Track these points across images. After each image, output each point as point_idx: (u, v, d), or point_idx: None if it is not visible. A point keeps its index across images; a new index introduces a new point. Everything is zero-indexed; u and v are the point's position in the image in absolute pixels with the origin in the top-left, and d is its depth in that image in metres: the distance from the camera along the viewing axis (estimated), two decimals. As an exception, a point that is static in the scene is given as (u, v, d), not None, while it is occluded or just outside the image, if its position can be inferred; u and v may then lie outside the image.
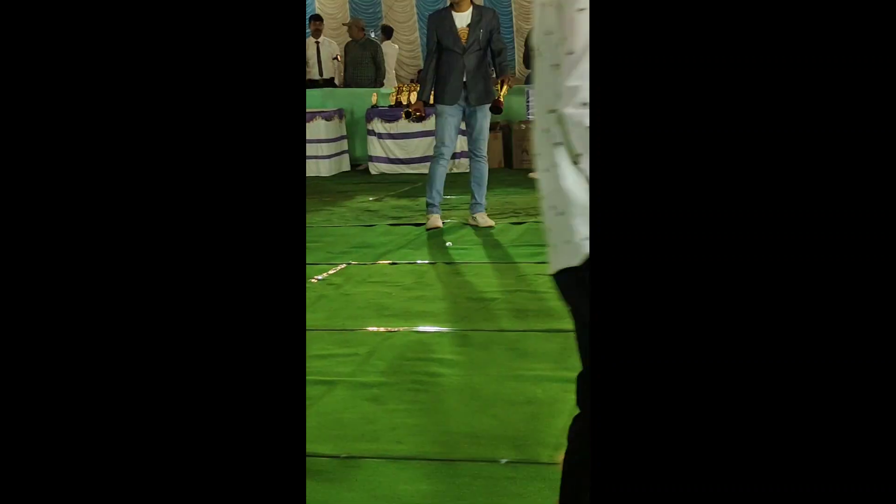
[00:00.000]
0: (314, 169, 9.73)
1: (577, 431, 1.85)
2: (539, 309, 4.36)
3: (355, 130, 10.32)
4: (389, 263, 5.59)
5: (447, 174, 6.69)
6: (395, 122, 9.65)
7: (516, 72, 13.85)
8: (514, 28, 14.36)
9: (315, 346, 3.95)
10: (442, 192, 6.63)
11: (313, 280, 5.20)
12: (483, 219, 6.59)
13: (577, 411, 1.87)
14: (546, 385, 3.26)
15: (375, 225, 6.85)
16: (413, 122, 8.26)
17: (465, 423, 3.02)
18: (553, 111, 1.67)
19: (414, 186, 8.50)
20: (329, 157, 9.86)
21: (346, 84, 11.35)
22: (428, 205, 6.62)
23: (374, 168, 9.80)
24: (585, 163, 1.62)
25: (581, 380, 1.85)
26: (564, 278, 1.80)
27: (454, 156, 8.38)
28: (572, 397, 1.92)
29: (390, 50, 12.97)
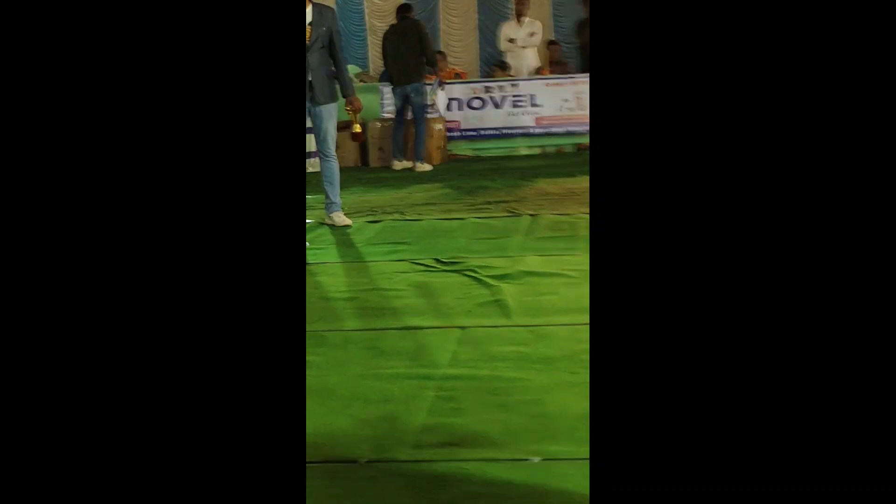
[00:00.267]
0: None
1: None
2: (395, 307, 4.36)
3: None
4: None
5: (302, 173, 6.59)
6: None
7: (370, 70, 13.82)
8: (367, 26, 14.33)
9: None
10: (296, 192, 6.52)
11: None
12: (339, 218, 6.53)
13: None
14: (403, 382, 3.26)
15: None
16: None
17: (322, 424, 2.98)
18: None
19: (268, 186, 8.34)
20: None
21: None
22: (282, 205, 6.50)
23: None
24: None
25: None
26: None
27: (308, 155, 8.28)
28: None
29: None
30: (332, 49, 6.34)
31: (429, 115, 9.76)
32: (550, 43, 11.66)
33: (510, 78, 10.58)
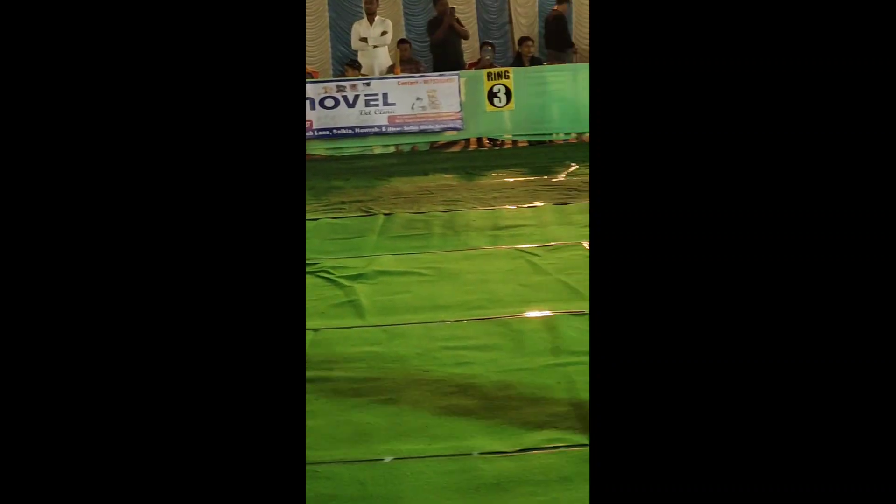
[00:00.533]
0: None
1: None
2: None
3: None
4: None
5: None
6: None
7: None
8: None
9: None
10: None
11: None
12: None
13: None
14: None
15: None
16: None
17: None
18: None
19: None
20: None
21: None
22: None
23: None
24: None
25: None
26: None
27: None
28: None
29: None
30: None
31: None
32: (401, 41, 11.70)
33: (362, 77, 10.57)
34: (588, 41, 13.85)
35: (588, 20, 13.76)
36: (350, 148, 10.41)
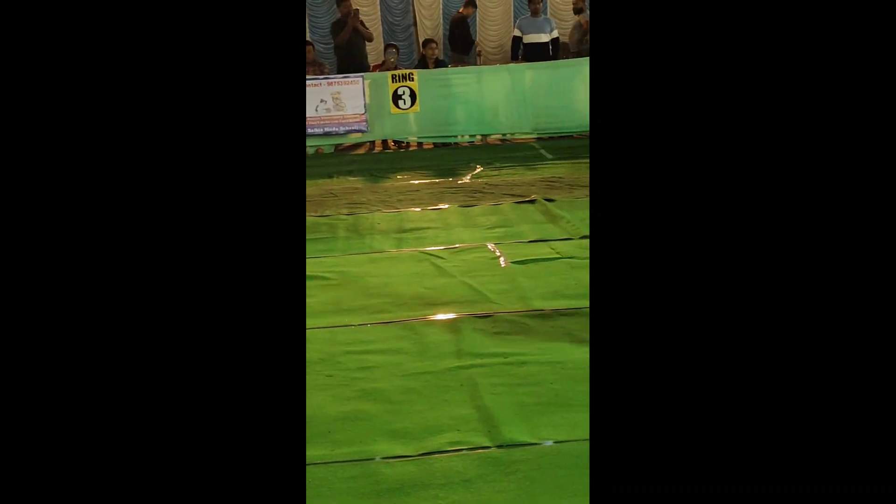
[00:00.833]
0: None
1: None
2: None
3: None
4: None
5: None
6: None
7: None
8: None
9: None
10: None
11: None
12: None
13: None
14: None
15: None
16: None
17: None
18: None
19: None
20: None
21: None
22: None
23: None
24: None
25: None
26: None
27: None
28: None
29: None
30: None
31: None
32: (305, 43, 11.62)
33: (266, 79, 10.44)
34: (492, 44, 13.98)
35: (492, 22, 13.87)
36: (254, 150, 10.22)
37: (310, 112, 10.05)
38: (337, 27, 10.66)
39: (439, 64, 10.68)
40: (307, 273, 4.78)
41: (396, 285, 4.47)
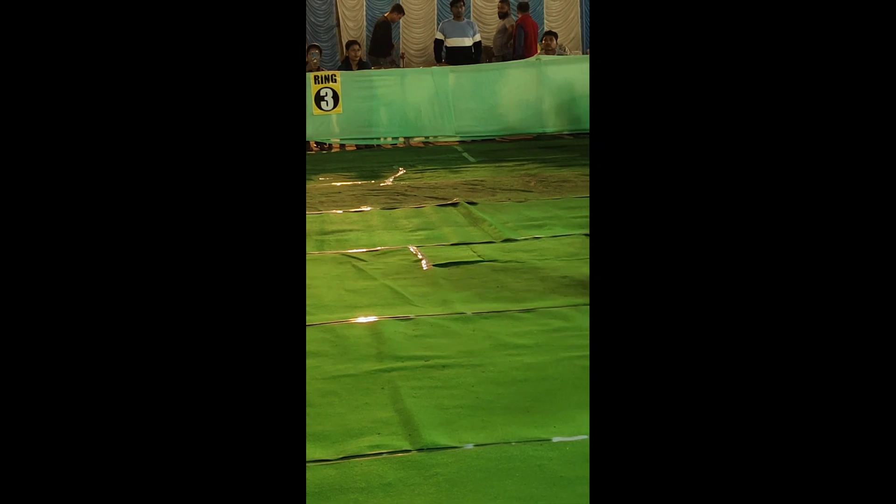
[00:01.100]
0: None
1: None
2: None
3: None
4: None
5: None
6: None
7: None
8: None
9: None
10: None
11: None
12: None
13: None
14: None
15: None
16: None
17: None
18: None
19: None
20: None
21: None
22: None
23: None
24: None
25: None
26: None
27: None
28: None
29: None
30: None
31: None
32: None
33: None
34: (416, 46, 13.98)
35: (416, 25, 13.88)
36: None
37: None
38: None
39: (362, 66, 10.64)
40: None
41: (317, 287, 4.43)
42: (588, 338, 3.49)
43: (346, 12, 13.85)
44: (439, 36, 11.08)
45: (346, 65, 10.66)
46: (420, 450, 2.63)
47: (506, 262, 4.81)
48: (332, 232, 5.75)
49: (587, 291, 4.14)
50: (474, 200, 6.49)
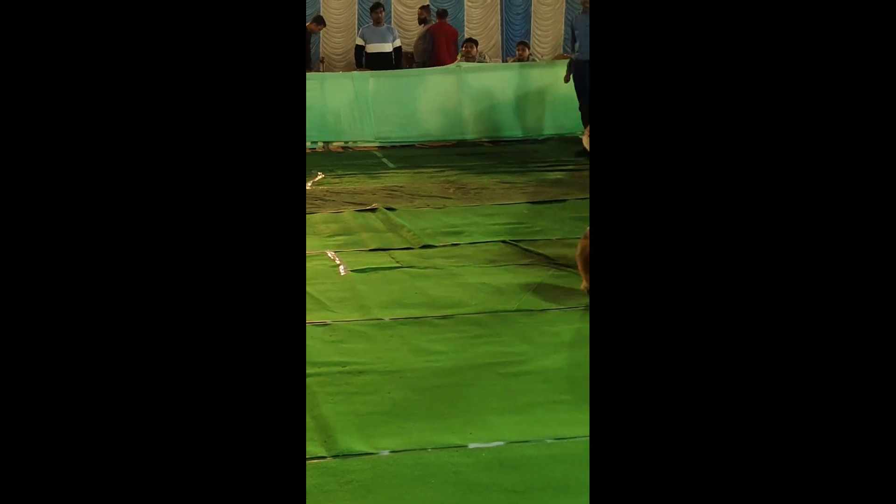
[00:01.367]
0: None
1: None
2: None
3: None
4: None
5: None
6: None
7: None
8: None
9: None
10: None
11: None
12: None
13: None
14: None
15: None
16: None
17: None
18: None
19: None
20: None
21: None
22: None
23: None
24: None
25: None
26: None
27: None
28: None
29: None
30: None
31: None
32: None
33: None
34: (336, 51, 13.92)
35: (336, 30, 13.82)
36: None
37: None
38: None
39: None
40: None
41: (233, 292, 4.37)
42: (506, 345, 3.53)
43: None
44: (360, 41, 11.05)
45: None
46: (335, 456, 2.61)
47: (424, 268, 4.81)
48: (249, 236, 5.68)
49: (505, 298, 4.17)
50: (393, 206, 6.48)
